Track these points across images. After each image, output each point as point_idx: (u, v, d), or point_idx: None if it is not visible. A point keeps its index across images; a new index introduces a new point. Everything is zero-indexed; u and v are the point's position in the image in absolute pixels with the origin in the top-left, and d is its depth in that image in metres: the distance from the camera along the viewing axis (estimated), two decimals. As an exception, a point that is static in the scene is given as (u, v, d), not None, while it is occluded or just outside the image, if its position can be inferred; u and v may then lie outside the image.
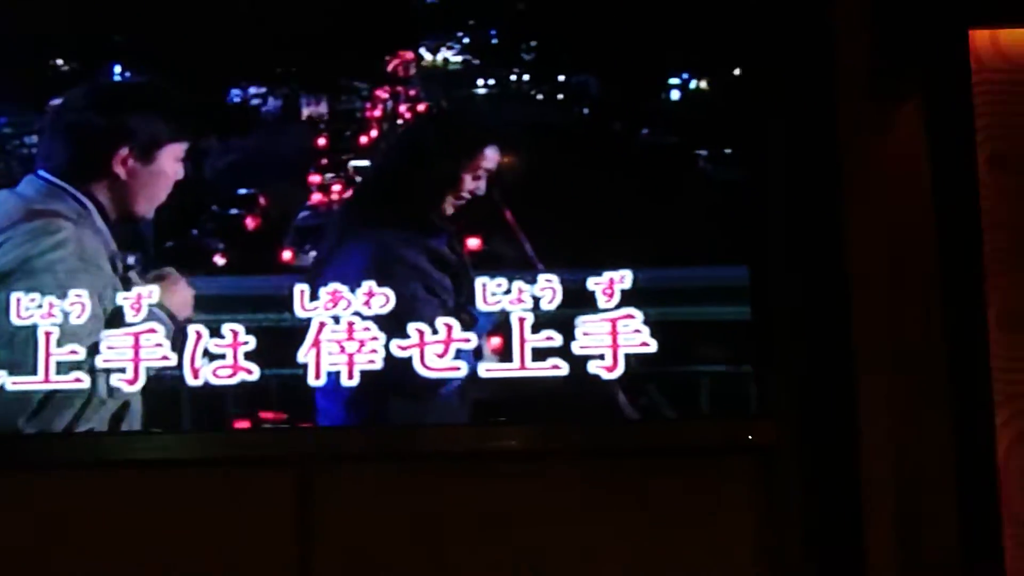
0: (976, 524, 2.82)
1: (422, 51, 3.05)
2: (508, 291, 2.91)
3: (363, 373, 2.89)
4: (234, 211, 2.97)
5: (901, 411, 2.86)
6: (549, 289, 2.92)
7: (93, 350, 2.90)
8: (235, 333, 2.91)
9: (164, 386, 2.92)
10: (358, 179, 3.00)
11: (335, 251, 2.96)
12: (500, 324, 2.90)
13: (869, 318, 2.87)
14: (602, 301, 2.91)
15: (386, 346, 2.90)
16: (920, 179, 2.95)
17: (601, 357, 2.89)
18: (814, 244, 2.95)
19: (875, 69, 2.90)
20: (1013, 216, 2.98)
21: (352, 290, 2.91)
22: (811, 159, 2.97)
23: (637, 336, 2.90)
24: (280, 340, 2.91)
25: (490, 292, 2.92)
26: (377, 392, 2.90)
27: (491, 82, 3.04)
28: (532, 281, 2.92)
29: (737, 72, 2.99)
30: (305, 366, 2.90)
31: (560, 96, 3.02)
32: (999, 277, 2.97)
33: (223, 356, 2.91)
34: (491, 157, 2.96)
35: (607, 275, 2.91)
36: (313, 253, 2.97)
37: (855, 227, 2.89)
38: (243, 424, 2.95)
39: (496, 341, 2.91)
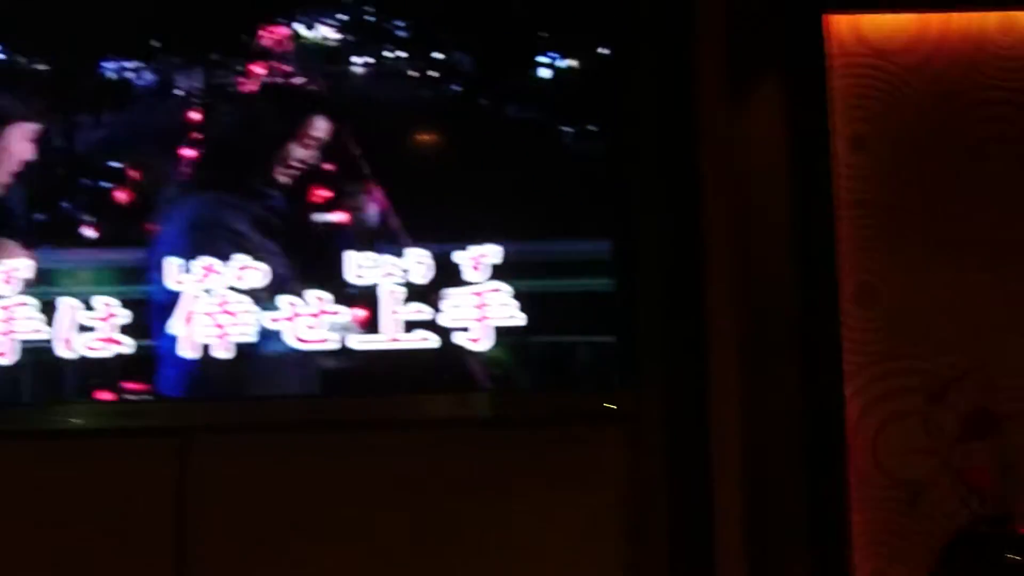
0: (824, 488, 2.94)
1: (298, 27, 3.08)
2: (377, 264, 2.97)
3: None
4: (105, 184, 2.98)
5: (753, 382, 2.96)
6: (418, 263, 2.98)
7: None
8: (108, 305, 2.95)
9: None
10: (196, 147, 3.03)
11: (166, 216, 2.99)
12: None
13: (723, 293, 2.96)
14: (470, 274, 2.99)
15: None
16: (778, 158, 3.05)
17: (468, 329, 2.97)
18: (675, 219, 3.04)
19: (733, 51, 2.99)
20: (871, 195, 3.10)
21: (175, 252, 2.95)
22: (673, 137, 3.05)
23: (504, 308, 2.98)
24: (147, 311, 2.95)
25: (359, 265, 2.98)
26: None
27: (366, 59, 3.09)
28: (401, 255, 2.98)
29: (603, 51, 3.06)
30: (175, 338, 2.95)
31: (432, 73, 3.07)
32: (857, 254, 3.09)
33: (94, 328, 2.94)
34: (320, 127, 3.01)
35: (475, 248, 2.98)
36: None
37: (712, 203, 2.98)
38: (107, 396, 2.97)
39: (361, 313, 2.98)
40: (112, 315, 2.94)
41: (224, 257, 2.96)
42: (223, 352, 2.95)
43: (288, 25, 3.06)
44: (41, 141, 2.97)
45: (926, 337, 3.01)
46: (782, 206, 3.02)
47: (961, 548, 2.62)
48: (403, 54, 3.07)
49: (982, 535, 2.61)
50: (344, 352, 2.96)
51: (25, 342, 2.94)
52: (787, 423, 2.94)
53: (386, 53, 3.07)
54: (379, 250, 2.97)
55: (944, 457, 2.76)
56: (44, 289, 2.95)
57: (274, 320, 2.96)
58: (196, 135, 3.01)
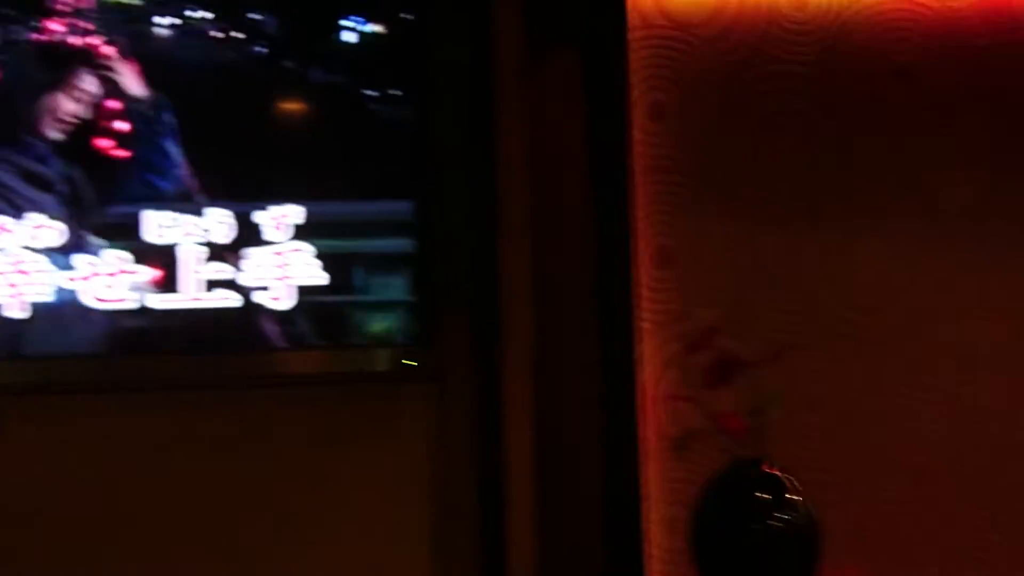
0: (618, 443, 3.03)
1: (100, -15, 3.05)
2: (177, 224, 2.96)
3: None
4: None
5: (548, 344, 3.02)
6: (220, 222, 2.98)
7: None
8: None
9: None
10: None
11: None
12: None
13: (519, 257, 3.03)
14: (272, 234, 3.00)
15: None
16: (577, 125, 3.12)
17: (269, 288, 2.98)
18: (478, 182, 3.10)
19: (532, 20, 3.05)
20: (669, 162, 3.20)
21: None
22: (477, 102, 3.11)
23: (306, 268, 3.00)
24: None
25: (159, 224, 2.96)
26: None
27: (170, 18, 3.06)
28: (200, 214, 2.97)
29: (407, 16, 3.09)
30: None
31: (236, 34, 3.05)
32: (655, 217, 3.18)
33: None
34: (89, 82, 2.98)
35: (277, 208, 3.00)
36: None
37: (509, 168, 3.05)
38: None
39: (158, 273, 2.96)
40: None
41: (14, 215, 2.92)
42: (17, 312, 2.91)
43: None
44: None
45: (712, 296, 3.13)
46: (580, 173, 3.09)
47: (716, 490, 2.74)
48: (207, 14, 3.06)
49: (734, 476, 2.74)
50: (144, 311, 2.95)
51: None
52: (582, 382, 3.02)
53: (189, 12, 3.05)
54: (180, 209, 2.96)
55: (708, 406, 2.87)
56: None
57: (71, 279, 2.93)
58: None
